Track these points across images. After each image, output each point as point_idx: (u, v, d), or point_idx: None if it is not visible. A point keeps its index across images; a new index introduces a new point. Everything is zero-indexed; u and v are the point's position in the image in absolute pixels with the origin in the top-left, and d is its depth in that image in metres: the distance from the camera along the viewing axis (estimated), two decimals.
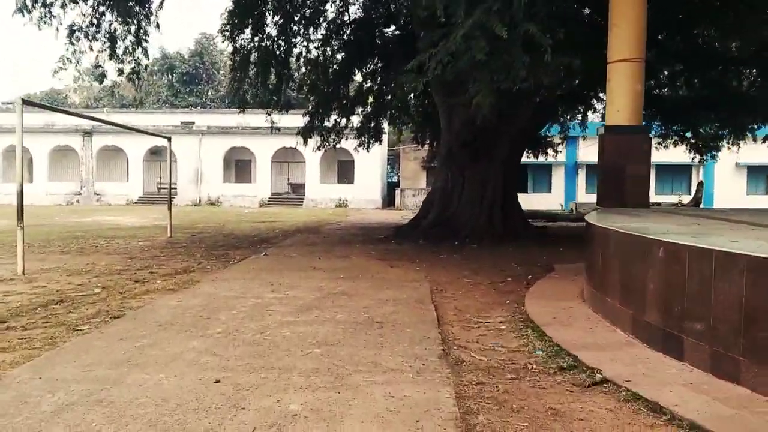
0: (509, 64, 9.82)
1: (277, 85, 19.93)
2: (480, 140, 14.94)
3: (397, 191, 42.68)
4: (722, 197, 27.27)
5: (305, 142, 20.95)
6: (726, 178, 29.45)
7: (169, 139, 17.28)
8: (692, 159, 21.84)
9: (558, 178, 35.50)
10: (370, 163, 41.77)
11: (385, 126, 23.44)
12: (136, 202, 43.43)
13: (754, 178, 31.41)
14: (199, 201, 43.53)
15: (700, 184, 26.02)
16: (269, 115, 20.41)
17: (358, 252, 13.15)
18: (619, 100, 9.85)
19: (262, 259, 11.91)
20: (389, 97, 22.01)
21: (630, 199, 9.78)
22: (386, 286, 8.79)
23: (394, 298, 7.82)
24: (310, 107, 21.22)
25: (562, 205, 31.94)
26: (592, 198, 32.54)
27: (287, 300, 7.63)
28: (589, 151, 31.19)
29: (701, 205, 25.93)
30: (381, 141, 23.55)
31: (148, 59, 17.67)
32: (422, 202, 16.90)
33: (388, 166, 50.24)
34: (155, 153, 44.63)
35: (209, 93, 56.97)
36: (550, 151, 22.73)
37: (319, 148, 22.21)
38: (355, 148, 23.10)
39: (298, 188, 45.24)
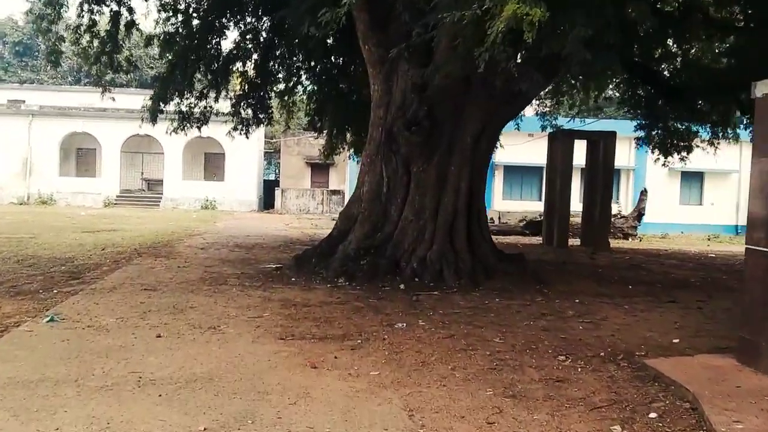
0: None
1: (112, 32, 13.34)
2: (437, 117, 9.31)
3: (278, 192, 36.21)
4: (653, 206, 23.50)
5: (153, 119, 14.33)
6: (659, 185, 25.84)
7: None
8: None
9: None
10: (245, 156, 35.12)
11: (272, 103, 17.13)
12: None
13: (687, 186, 28.05)
14: (28, 199, 34.97)
15: (644, 193, 21.95)
16: (99, 77, 13.77)
17: (237, 311, 7.10)
18: None
19: (41, 336, 5.74)
20: (277, 62, 15.99)
21: None
22: None
23: None
24: (163, 69, 14.76)
25: None
26: (510, 205, 27.98)
27: None
28: (506, 151, 26.42)
29: (644, 217, 21.96)
30: (269, 121, 17.29)
31: None
32: (339, 213, 10.97)
33: (265, 162, 43.63)
34: None
35: (48, 68, 47.60)
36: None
37: (175, 131, 15.67)
38: (229, 132, 16.70)
39: (154, 185, 37.62)
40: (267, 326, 6.39)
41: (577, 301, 8.26)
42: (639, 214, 21.88)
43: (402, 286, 8.70)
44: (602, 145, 16.83)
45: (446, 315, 7.14)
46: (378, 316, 6.99)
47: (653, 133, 16.66)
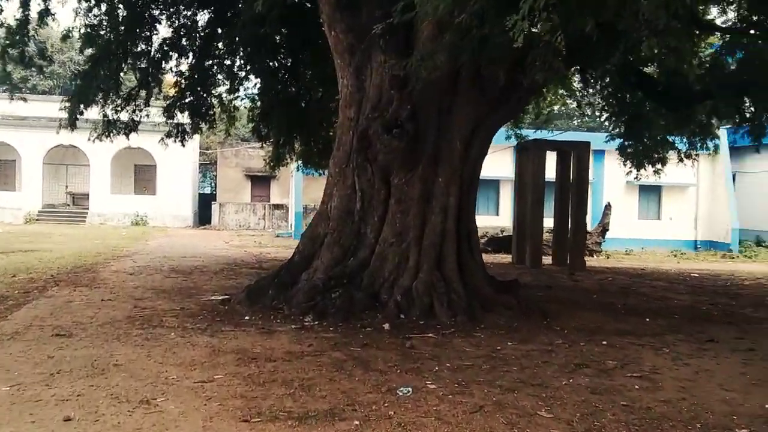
0: None
1: (22, 20, 11.28)
2: (421, 120, 7.72)
3: (215, 206, 33.93)
4: (613, 221, 22.39)
5: (72, 124, 12.25)
6: (617, 199, 24.76)
7: None
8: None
9: None
10: (179, 168, 32.78)
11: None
12: None
13: (645, 200, 27.21)
14: None
15: (608, 207, 20.91)
16: (6, 73, 11.64)
17: (178, 371, 5.27)
18: None
19: None
20: (216, 62, 14.14)
21: None
22: None
23: None
24: (85, 67, 12.71)
25: None
26: (482, 220, 26.19)
27: None
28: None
29: (608, 233, 20.90)
30: (211, 125, 15.30)
31: None
32: (301, 235, 9.16)
33: (200, 174, 41.21)
34: None
35: None
36: None
37: (99, 138, 13.58)
38: (162, 139, 14.68)
39: (80, 199, 34.73)
40: (222, 397, 4.60)
41: (604, 342, 6.72)
42: (603, 229, 20.82)
43: (387, 326, 6.99)
44: (575, 157, 15.60)
45: (457, 370, 5.48)
46: (369, 375, 5.27)
47: (626, 143, 15.52)
